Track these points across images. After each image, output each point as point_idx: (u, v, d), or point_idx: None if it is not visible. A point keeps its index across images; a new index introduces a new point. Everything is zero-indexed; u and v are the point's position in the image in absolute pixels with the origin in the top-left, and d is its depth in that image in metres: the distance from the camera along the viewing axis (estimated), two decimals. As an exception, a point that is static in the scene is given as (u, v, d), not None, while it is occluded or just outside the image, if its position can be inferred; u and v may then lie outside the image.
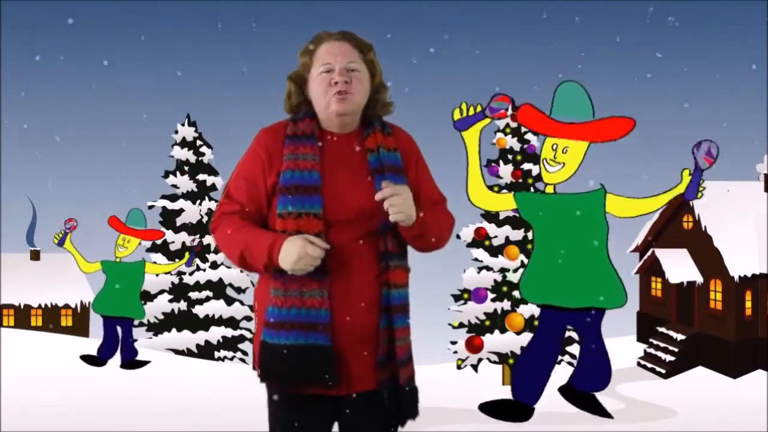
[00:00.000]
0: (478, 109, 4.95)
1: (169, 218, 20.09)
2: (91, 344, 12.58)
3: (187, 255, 11.09)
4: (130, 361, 9.64)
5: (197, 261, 19.75)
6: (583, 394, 5.10)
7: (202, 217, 20.12)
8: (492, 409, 5.09)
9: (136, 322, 9.58)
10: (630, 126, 4.81)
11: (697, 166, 4.84)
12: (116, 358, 9.53)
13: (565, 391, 5.14)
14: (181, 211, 20.10)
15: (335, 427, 2.53)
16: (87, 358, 9.49)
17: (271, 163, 2.44)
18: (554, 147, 4.90)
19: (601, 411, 5.11)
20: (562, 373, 5.48)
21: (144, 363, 9.80)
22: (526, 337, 15.06)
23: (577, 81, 4.95)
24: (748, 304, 17.84)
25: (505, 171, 16.88)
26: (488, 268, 17.21)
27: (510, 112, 4.95)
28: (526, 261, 14.91)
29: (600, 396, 5.24)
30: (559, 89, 4.94)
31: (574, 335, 14.14)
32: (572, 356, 16.24)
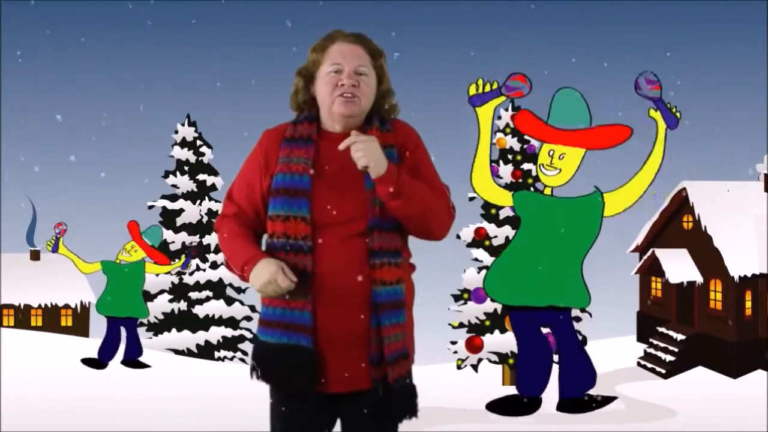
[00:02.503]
0: (495, 86, 4.91)
1: (169, 218, 20.09)
2: (92, 344, 12.58)
3: (183, 257, 11.16)
4: (133, 360, 9.66)
5: (197, 261, 19.74)
6: (579, 400, 5.09)
7: (202, 217, 20.11)
8: (499, 406, 5.09)
9: (139, 321, 9.67)
10: (627, 134, 4.80)
11: (653, 99, 4.81)
12: (117, 358, 9.56)
13: (563, 406, 5.13)
14: (181, 211, 20.09)
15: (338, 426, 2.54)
16: (88, 362, 9.52)
17: (268, 165, 2.46)
18: (551, 153, 4.89)
19: (602, 403, 5.10)
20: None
21: (145, 365, 9.80)
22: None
23: (575, 88, 4.93)
24: (748, 304, 17.83)
25: (505, 171, 16.87)
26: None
27: (527, 92, 4.86)
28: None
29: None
30: (557, 96, 4.91)
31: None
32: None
